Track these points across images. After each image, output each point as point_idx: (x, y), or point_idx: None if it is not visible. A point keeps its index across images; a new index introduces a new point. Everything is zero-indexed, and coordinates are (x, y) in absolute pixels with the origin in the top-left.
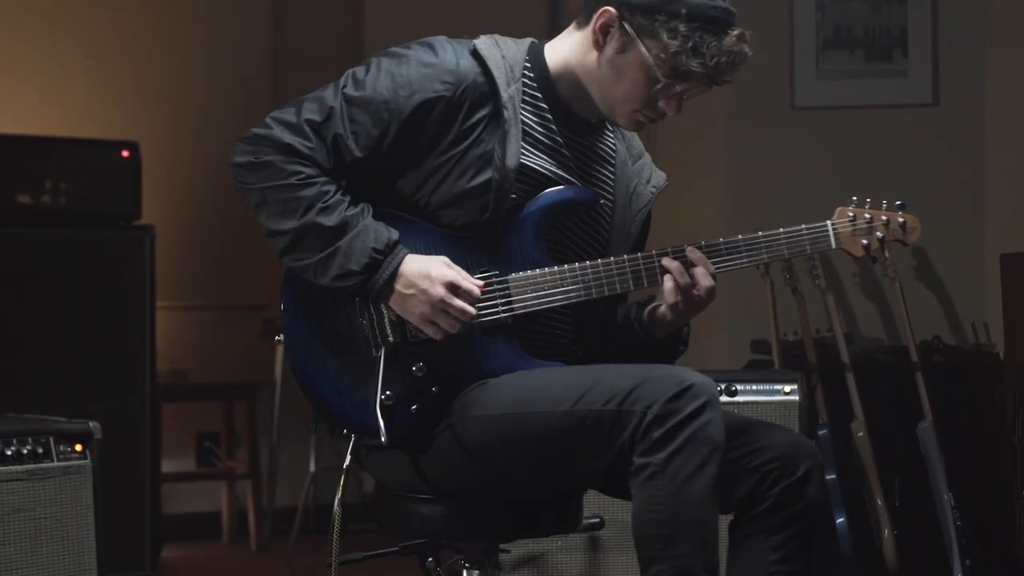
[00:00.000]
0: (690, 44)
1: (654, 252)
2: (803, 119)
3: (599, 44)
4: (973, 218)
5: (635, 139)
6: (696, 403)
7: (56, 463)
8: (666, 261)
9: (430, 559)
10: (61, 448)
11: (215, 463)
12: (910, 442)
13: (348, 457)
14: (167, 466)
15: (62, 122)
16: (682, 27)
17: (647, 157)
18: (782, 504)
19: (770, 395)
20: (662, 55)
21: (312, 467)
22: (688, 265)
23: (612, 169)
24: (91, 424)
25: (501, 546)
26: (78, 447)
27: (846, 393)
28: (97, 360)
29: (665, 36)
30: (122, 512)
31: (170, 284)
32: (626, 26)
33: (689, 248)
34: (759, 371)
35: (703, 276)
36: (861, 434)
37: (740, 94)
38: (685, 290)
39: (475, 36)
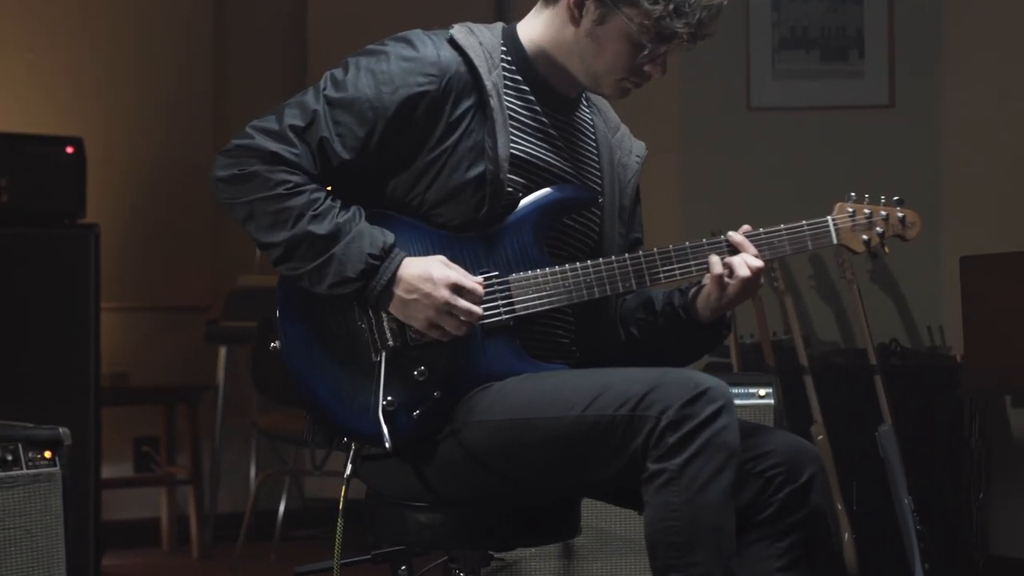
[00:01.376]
0: (671, 6)
1: (656, 249)
2: (759, 119)
3: (575, 19)
4: (929, 221)
5: (610, 111)
6: (712, 407)
7: (25, 471)
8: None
9: (403, 567)
10: (30, 455)
11: (154, 468)
12: (869, 445)
13: (348, 466)
14: (104, 472)
15: (2, 117)
16: None
17: (624, 128)
18: (786, 510)
19: (745, 398)
20: (645, 21)
21: (253, 472)
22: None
23: (594, 144)
24: (61, 430)
25: (495, 555)
26: (47, 454)
27: (804, 396)
28: (39, 362)
29: (645, 2)
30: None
31: (109, 284)
32: None
33: (731, 233)
34: (733, 374)
35: (740, 266)
36: (821, 437)
37: (695, 94)
38: (723, 282)
39: (410, 28)
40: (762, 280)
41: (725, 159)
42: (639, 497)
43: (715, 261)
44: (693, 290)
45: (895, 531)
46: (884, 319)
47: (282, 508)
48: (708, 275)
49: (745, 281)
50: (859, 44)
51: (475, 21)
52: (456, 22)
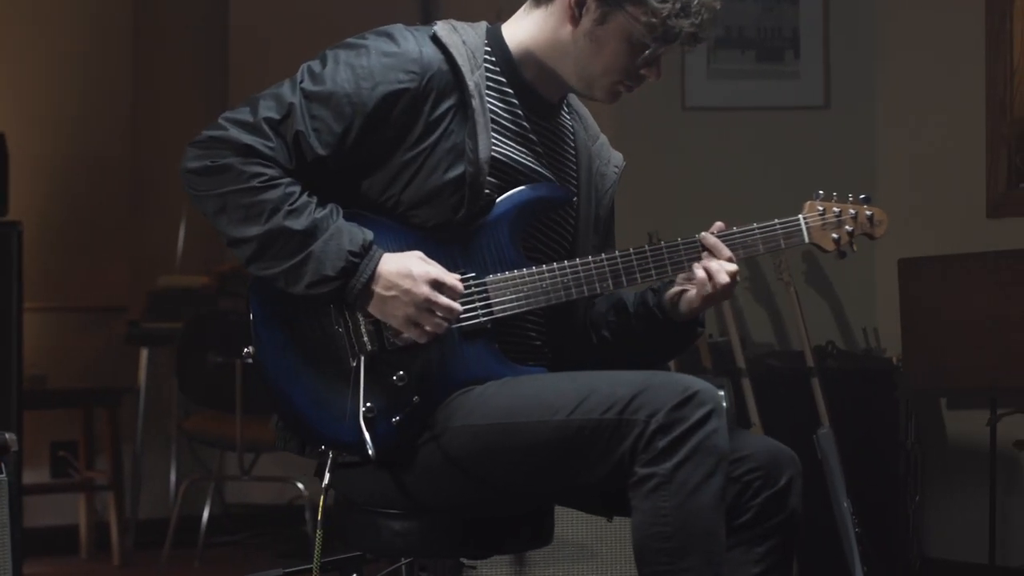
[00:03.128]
0: (679, 4)
1: (631, 250)
2: (694, 119)
3: (575, 18)
4: None
5: (590, 120)
6: (702, 411)
7: None
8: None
9: (354, 574)
10: None
11: (72, 474)
12: (806, 448)
13: (327, 475)
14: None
15: None
16: None
17: (604, 138)
18: (765, 514)
19: None
20: (653, 19)
21: (173, 477)
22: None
23: (573, 151)
24: (7, 436)
25: (467, 562)
26: None
27: (742, 399)
28: None
29: (654, 0)
30: None
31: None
32: None
33: (703, 235)
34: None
35: (718, 272)
36: None
37: (630, 94)
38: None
39: (330, 27)
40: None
41: (660, 159)
42: (616, 503)
43: (699, 273)
44: (670, 290)
45: (834, 534)
46: (819, 321)
47: (206, 514)
48: (684, 276)
49: (725, 286)
50: (795, 45)
51: (400, 22)
52: (379, 23)
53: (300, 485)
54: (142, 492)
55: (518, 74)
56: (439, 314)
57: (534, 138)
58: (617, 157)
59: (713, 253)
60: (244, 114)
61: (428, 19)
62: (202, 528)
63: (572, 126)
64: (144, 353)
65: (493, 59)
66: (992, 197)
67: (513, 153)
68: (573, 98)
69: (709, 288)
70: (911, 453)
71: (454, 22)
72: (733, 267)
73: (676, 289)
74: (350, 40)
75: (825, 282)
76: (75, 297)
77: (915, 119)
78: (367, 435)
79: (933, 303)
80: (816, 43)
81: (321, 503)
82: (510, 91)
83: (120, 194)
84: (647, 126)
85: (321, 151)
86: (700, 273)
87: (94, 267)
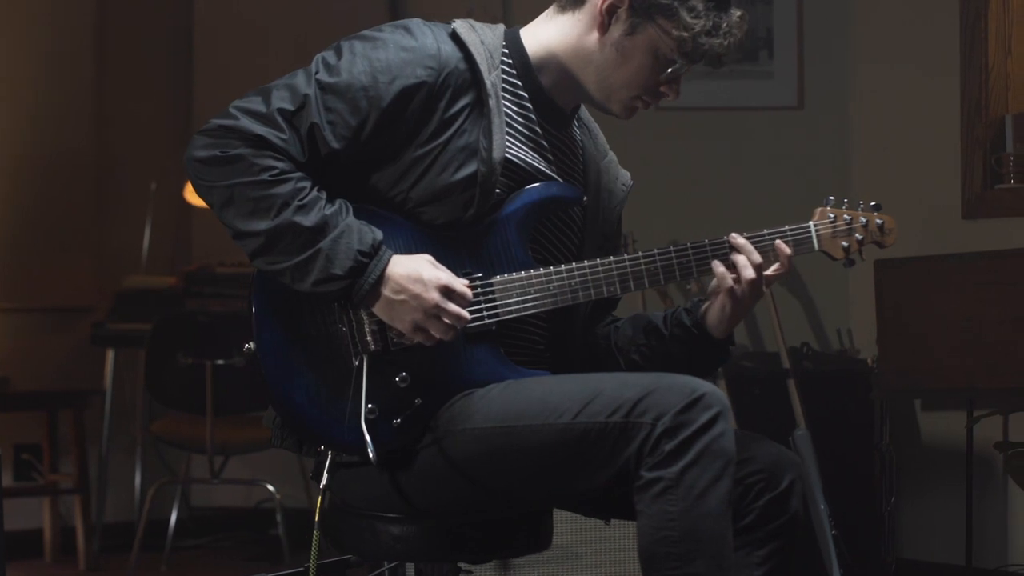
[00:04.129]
0: (711, 23)
1: (640, 254)
2: (667, 119)
3: (603, 26)
4: None
5: (600, 135)
6: (708, 414)
7: None
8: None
9: None
10: None
11: (35, 477)
12: None
13: (325, 476)
14: None
15: None
16: (700, 5)
17: (612, 155)
18: (766, 517)
19: None
20: (684, 34)
21: (138, 480)
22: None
23: (582, 165)
24: None
25: (464, 567)
26: None
27: None
28: None
29: (687, 16)
30: None
31: None
32: (637, 6)
33: (732, 236)
34: None
35: (744, 267)
36: None
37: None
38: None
39: (298, 27)
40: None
41: (632, 159)
42: (615, 506)
43: (721, 270)
44: (704, 306)
45: (811, 536)
46: (794, 323)
47: (174, 517)
48: (715, 285)
49: (752, 282)
50: (768, 45)
51: (368, 24)
52: (343, 22)
53: (271, 488)
54: (107, 496)
55: (535, 79)
56: (447, 321)
57: (545, 144)
58: (625, 176)
59: (740, 251)
60: (256, 103)
61: (396, 14)
62: (169, 532)
63: (582, 140)
64: (110, 355)
65: (510, 61)
66: (967, 198)
67: (525, 156)
68: (584, 112)
69: (738, 288)
70: (886, 455)
71: (472, 21)
72: (758, 258)
73: (710, 304)
74: (366, 32)
75: (799, 283)
76: (39, 297)
77: (889, 120)
78: (368, 437)
79: (909, 304)
80: (790, 43)
81: (319, 505)
82: (525, 95)
83: (84, 193)
84: (619, 126)
85: (335, 144)
86: (720, 269)
87: (58, 267)
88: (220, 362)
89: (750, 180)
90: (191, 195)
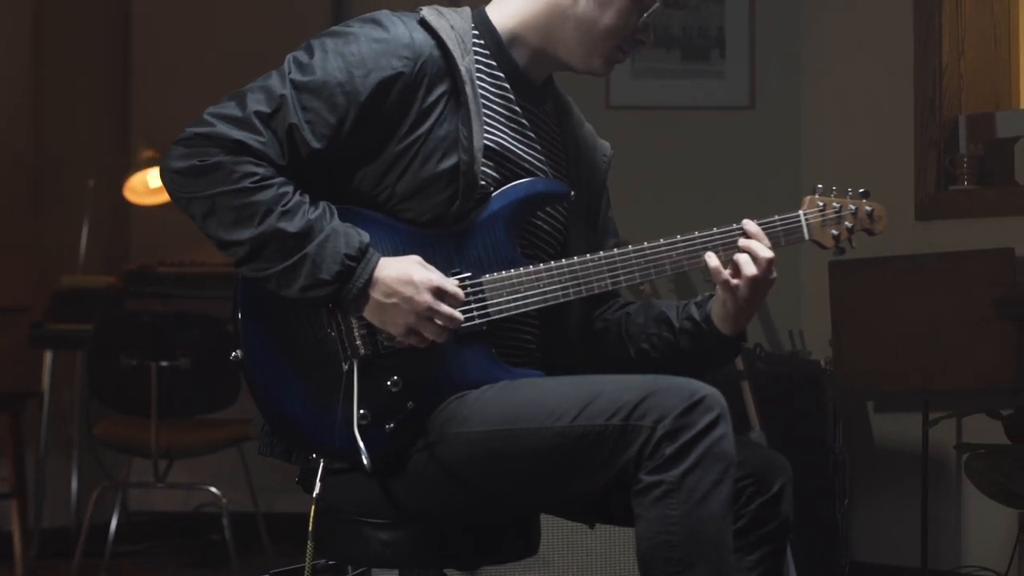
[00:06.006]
0: None
1: (631, 248)
2: (618, 118)
3: None
4: None
5: (574, 107)
6: (709, 416)
7: None
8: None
9: None
10: None
11: None
12: None
13: (318, 485)
14: None
15: None
16: None
17: (589, 127)
18: (758, 521)
19: None
20: None
21: (75, 484)
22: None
23: (561, 139)
24: None
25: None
26: None
27: None
28: None
29: None
30: None
31: None
32: None
33: (745, 221)
34: None
35: (746, 264)
36: None
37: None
38: (730, 285)
39: (238, 19)
40: (774, 274)
41: None
42: (599, 510)
43: (714, 264)
44: (712, 302)
45: None
46: None
47: (114, 522)
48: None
49: (754, 279)
50: (720, 44)
51: (311, 17)
52: (286, 16)
53: (215, 491)
54: (45, 500)
55: (508, 57)
56: (440, 323)
57: (526, 123)
58: (604, 146)
59: (749, 248)
60: (231, 108)
61: (340, 15)
62: (110, 537)
63: (558, 114)
64: (48, 356)
65: (482, 42)
66: (921, 199)
67: (506, 141)
68: (557, 85)
69: (739, 284)
70: (839, 456)
71: (439, 7)
72: (768, 253)
73: (717, 299)
74: (335, 28)
75: None
76: None
77: (842, 120)
78: (362, 445)
79: (863, 306)
80: (742, 43)
81: (311, 513)
82: (501, 75)
83: (21, 191)
84: None
85: (316, 144)
86: (714, 262)
87: None
88: (164, 363)
89: (701, 180)
90: (131, 193)
